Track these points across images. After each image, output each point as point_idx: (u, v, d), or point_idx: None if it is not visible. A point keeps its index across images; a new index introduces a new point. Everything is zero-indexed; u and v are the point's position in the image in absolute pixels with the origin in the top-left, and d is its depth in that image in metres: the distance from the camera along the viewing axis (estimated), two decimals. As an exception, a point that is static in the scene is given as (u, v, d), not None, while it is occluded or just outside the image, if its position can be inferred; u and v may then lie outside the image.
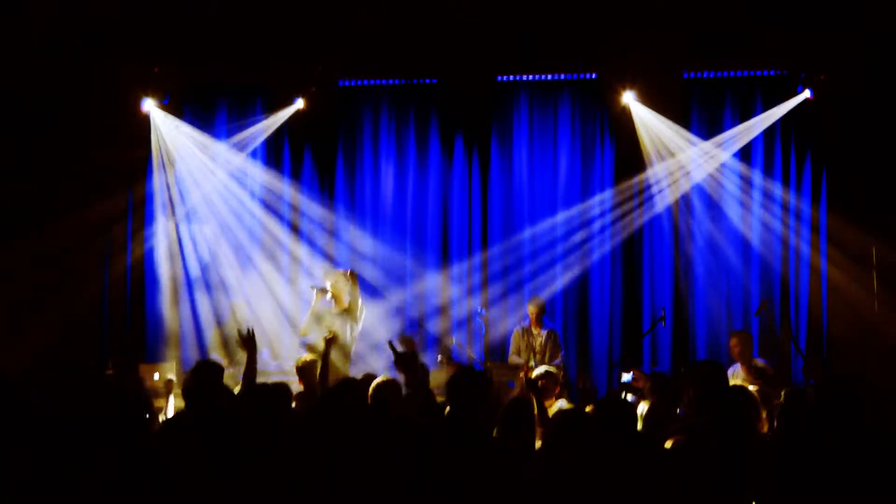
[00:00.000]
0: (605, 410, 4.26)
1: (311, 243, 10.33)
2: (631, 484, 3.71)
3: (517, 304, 10.08)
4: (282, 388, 4.58)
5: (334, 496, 3.99)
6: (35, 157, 9.63)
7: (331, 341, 6.16)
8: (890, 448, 3.71)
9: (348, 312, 8.37)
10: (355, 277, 8.56)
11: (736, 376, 8.01)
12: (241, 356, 6.13)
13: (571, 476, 3.66)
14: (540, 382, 6.79)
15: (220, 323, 9.88)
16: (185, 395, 5.14)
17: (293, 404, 5.55)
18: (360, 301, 8.53)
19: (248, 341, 5.67)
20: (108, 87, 9.80)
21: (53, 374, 6.88)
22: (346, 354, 8.17)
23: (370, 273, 10.07)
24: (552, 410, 6.05)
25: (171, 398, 7.33)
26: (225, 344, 9.48)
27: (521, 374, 7.91)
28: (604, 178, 10.32)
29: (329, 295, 8.55)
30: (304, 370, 6.67)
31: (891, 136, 9.18)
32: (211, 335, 9.82)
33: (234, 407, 4.74)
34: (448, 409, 4.47)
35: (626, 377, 6.74)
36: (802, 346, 9.60)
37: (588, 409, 4.60)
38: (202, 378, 5.15)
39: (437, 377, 7.41)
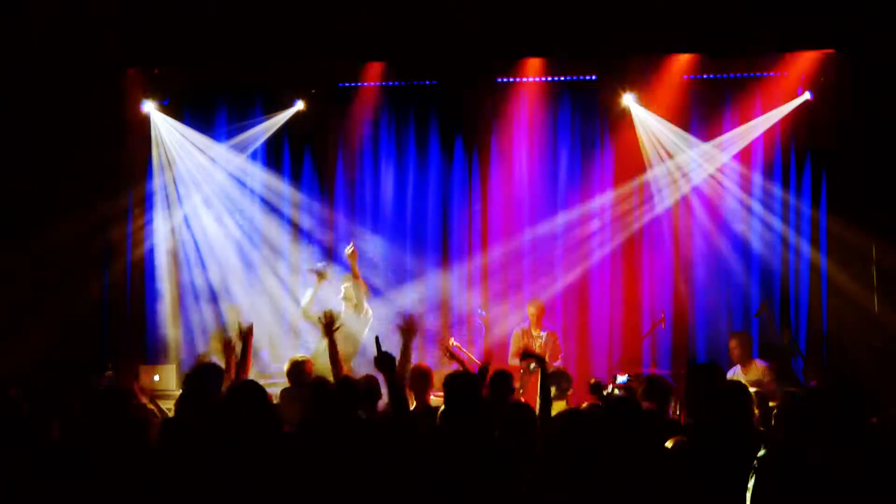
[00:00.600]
0: (610, 411, 4.26)
1: (312, 244, 10.33)
2: (632, 485, 3.70)
3: (517, 306, 10.08)
4: (254, 385, 4.56)
5: (332, 497, 3.99)
6: (35, 158, 9.62)
7: (330, 326, 6.10)
8: (890, 448, 3.71)
9: (357, 308, 8.31)
10: (355, 257, 8.46)
11: (737, 377, 8.02)
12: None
13: (571, 476, 3.66)
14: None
15: (221, 326, 9.88)
16: (183, 398, 5.15)
17: (276, 401, 5.55)
18: (364, 294, 8.42)
19: (245, 336, 5.70)
20: (108, 88, 9.79)
21: (53, 376, 6.89)
22: (354, 350, 8.14)
23: (371, 274, 10.06)
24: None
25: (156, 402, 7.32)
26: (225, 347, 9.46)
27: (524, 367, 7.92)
28: (603, 180, 10.33)
29: (341, 297, 8.47)
30: (293, 371, 6.65)
31: (890, 137, 9.17)
32: (211, 338, 9.81)
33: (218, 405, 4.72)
34: (442, 409, 4.47)
35: (622, 378, 6.77)
36: (802, 346, 9.61)
37: (584, 405, 4.60)
38: (201, 380, 5.15)
39: (440, 378, 7.41)
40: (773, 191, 10.00)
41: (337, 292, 8.54)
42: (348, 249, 8.47)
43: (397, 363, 5.47)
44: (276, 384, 7.37)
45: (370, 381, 5.51)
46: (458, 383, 4.37)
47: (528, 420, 4.54)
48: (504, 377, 5.84)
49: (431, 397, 6.79)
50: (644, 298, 10.17)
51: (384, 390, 5.40)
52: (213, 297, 10.13)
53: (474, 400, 4.29)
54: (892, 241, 9.16)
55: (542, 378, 4.93)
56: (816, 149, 9.86)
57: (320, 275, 8.52)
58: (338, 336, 8.10)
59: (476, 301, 10.13)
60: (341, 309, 8.47)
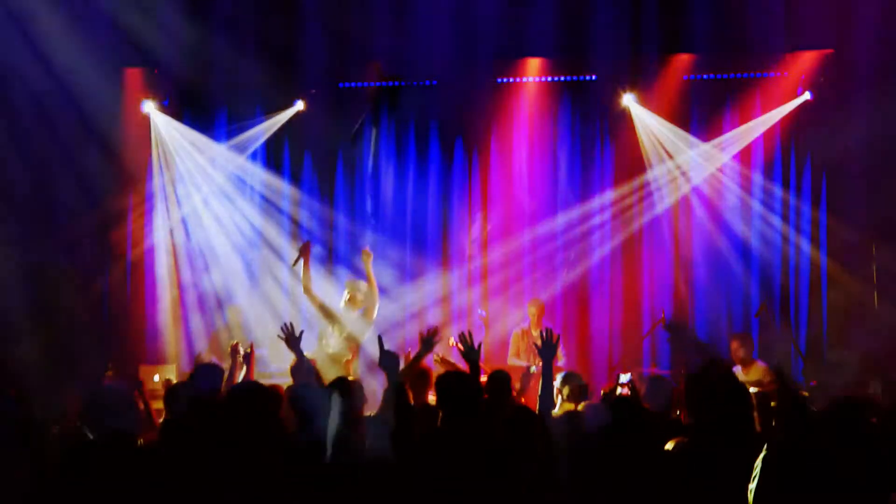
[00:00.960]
0: (613, 411, 4.25)
1: (312, 244, 10.28)
2: (633, 485, 3.70)
3: (517, 305, 10.08)
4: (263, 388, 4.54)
5: (332, 497, 3.98)
6: (35, 159, 9.62)
7: (291, 340, 5.95)
8: (890, 448, 3.71)
9: (366, 313, 8.26)
10: (370, 258, 8.42)
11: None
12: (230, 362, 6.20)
13: (571, 477, 3.66)
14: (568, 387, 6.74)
15: (221, 326, 9.86)
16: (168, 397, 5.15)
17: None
18: (375, 290, 8.37)
19: (233, 353, 5.76)
20: (108, 89, 9.79)
21: (53, 376, 6.89)
22: (355, 352, 8.10)
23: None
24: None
25: None
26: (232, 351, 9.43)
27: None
28: (604, 180, 10.34)
29: (344, 300, 8.39)
30: (295, 372, 6.63)
31: (890, 136, 9.18)
32: (211, 338, 9.80)
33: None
34: (441, 414, 4.44)
35: (624, 377, 6.75)
36: (802, 346, 9.61)
37: (580, 407, 4.58)
38: (200, 379, 5.15)
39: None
40: (773, 190, 10.01)
41: (341, 295, 8.51)
42: (365, 252, 8.42)
43: (403, 368, 5.42)
44: (276, 384, 7.35)
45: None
46: (452, 383, 4.34)
47: (528, 421, 4.54)
48: (501, 378, 5.81)
49: (430, 397, 6.78)
50: (644, 298, 10.17)
51: (373, 396, 5.40)
52: (214, 297, 10.12)
53: (471, 399, 4.26)
54: (892, 240, 9.16)
55: (544, 378, 4.91)
56: (816, 148, 9.86)
57: (304, 251, 8.38)
58: (339, 337, 8.10)
59: (476, 301, 10.13)
60: (344, 311, 8.44)
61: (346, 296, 8.31)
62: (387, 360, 4.52)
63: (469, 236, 10.45)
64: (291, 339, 5.73)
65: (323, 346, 8.04)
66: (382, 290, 9.70)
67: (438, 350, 8.33)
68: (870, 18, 8.79)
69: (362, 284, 8.31)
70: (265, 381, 6.65)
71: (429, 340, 5.30)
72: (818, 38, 9.25)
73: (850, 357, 8.34)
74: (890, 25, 8.76)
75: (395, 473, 4.04)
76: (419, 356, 5.48)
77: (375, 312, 8.22)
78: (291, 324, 5.75)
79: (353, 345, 8.03)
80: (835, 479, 3.46)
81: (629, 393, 6.33)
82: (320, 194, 10.49)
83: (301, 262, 8.23)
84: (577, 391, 6.43)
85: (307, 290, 8.22)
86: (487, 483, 3.92)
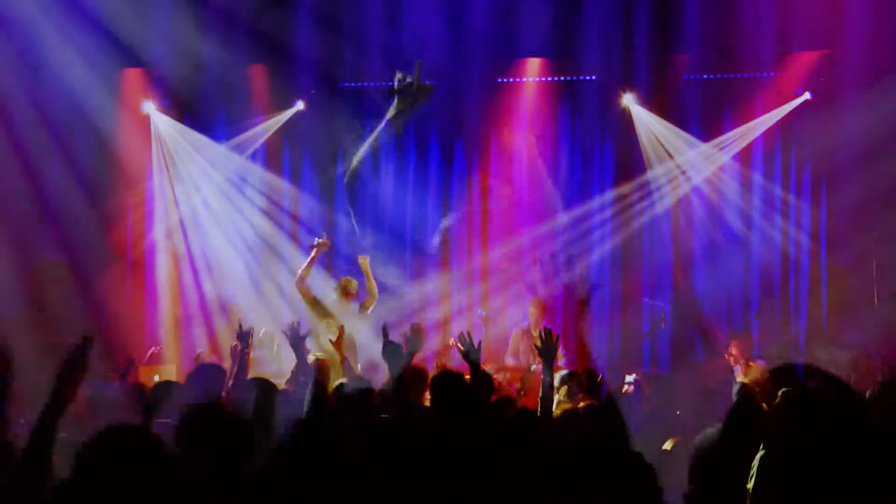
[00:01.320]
0: (600, 411, 4.25)
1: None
2: (633, 485, 3.70)
3: (517, 305, 10.07)
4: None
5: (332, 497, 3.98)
6: (33, 159, 9.61)
7: (297, 340, 5.90)
8: (890, 449, 3.70)
9: (363, 306, 8.30)
10: (366, 260, 8.50)
11: (737, 377, 8.01)
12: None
13: (572, 477, 3.65)
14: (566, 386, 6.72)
15: (221, 326, 9.86)
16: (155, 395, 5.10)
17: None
18: (374, 285, 8.43)
19: (243, 338, 5.58)
20: (107, 90, 9.78)
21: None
22: (353, 350, 8.11)
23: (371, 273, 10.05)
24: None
25: None
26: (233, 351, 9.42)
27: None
28: (604, 180, 10.34)
29: (336, 295, 8.38)
30: (299, 371, 6.60)
31: (889, 135, 9.18)
32: (211, 338, 9.80)
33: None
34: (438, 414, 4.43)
35: (629, 378, 6.76)
36: (802, 345, 9.60)
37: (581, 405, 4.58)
38: (202, 381, 5.14)
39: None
40: (773, 190, 10.01)
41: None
42: (361, 257, 8.48)
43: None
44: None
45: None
46: (448, 383, 4.32)
47: (528, 421, 4.53)
48: (483, 378, 5.77)
49: (428, 397, 6.75)
50: (644, 298, 10.17)
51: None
52: (214, 297, 10.12)
53: (468, 399, 4.25)
54: (892, 239, 9.16)
55: (545, 378, 4.89)
56: (816, 148, 9.86)
57: (319, 246, 8.41)
58: (334, 334, 8.08)
59: (476, 300, 10.13)
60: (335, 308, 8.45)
61: (337, 290, 8.31)
62: (390, 350, 4.47)
63: (469, 236, 10.44)
64: (295, 338, 5.68)
65: (321, 345, 8.03)
66: (383, 290, 9.74)
67: (443, 360, 8.42)
68: (867, 19, 8.79)
69: (353, 280, 8.35)
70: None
71: (413, 339, 5.23)
72: (816, 39, 9.26)
73: (841, 355, 8.34)
74: (886, 26, 8.76)
75: (393, 473, 4.04)
76: (408, 355, 5.43)
77: (372, 307, 8.27)
78: (298, 322, 5.71)
79: (349, 342, 8.03)
80: (834, 479, 3.46)
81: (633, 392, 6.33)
82: (320, 194, 10.49)
83: (311, 256, 8.25)
84: (585, 388, 6.41)
85: (301, 282, 8.23)
86: (486, 484, 3.92)
